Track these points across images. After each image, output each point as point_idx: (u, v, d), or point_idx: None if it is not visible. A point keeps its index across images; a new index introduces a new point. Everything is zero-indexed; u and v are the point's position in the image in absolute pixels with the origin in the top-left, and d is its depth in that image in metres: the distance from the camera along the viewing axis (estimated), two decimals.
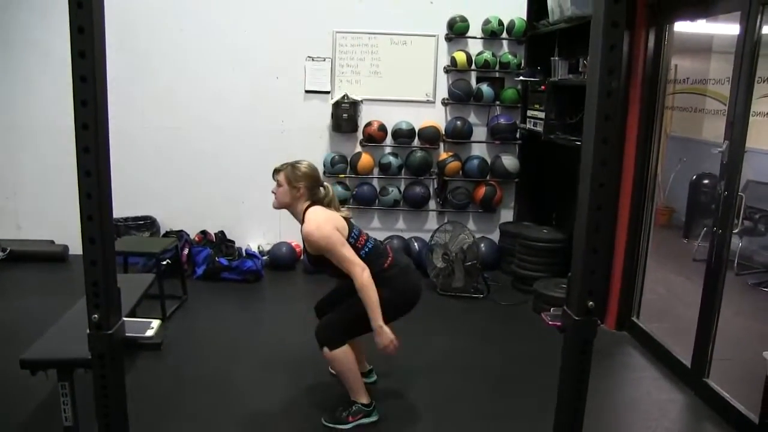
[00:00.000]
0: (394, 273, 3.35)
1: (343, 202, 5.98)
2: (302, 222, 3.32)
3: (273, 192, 3.41)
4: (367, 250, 3.33)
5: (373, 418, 3.45)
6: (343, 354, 3.31)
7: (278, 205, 3.43)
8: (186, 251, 5.84)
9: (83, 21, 1.67)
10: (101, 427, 1.99)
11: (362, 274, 3.17)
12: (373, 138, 6.22)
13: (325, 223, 3.24)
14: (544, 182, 6.38)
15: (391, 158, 6.25)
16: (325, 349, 3.30)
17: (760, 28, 3.42)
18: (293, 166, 3.38)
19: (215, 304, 5.25)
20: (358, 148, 6.35)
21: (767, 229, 5.68)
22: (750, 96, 3.48)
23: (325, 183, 3.49)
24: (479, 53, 6.20)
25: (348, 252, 3.21)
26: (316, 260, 3.36)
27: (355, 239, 3.31)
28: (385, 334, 3.21)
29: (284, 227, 6.14)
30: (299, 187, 3.33)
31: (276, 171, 3.41)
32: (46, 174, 6.11)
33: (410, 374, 4.02)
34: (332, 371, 3.68)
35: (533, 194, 6.57)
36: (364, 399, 3.44)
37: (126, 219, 6.17)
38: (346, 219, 3.39)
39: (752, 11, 3.44)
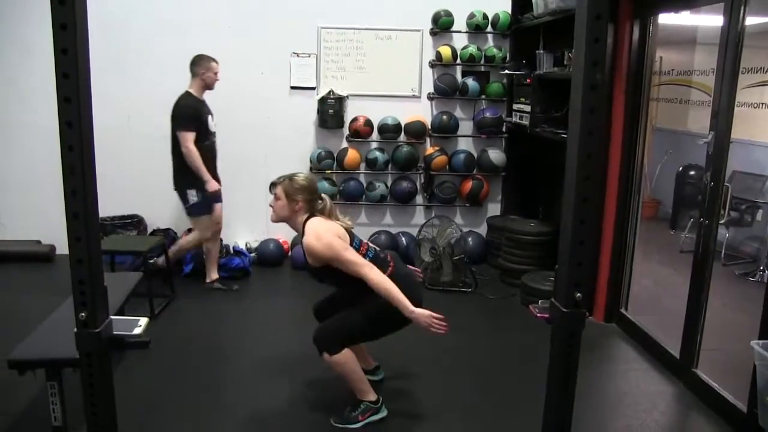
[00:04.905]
0: (395, 283, 3.27)
1: (330, 197, 5.95)
2: (302, 235, 3.29)
3: (270, 205, 3.39)
4: (367, 259, 3.28)
5: (382, 414, 3.42)
6: (344, 358, 3.25)
7: (277, 219, 3.42)
8: None
9: (66, 17, 1.66)
10: (90, 426, 1.98)
11: (371, 273, 3.15)
12: (360, 133, 6.21)
13: (326, 232, 3.22)
14: (531, 176, 6.38)
15: (378, 153, 6.25)
16: (325, 355, 3.24)
17: (744, 19, 3.43)
18: (291, 179, 3.35)
19: (203, 302, 5.23)
20: (345, 144, 6.34)
21: (753, 220, 5.72)
22: (735, 87, 3.50)
23: (323, 195, 3.47)
24: (464, 47, 6.20)
25: (352, 255, 3.19)
26: (319, 273, 3.33)
27: (356, 249, 3.28)
28: (421, 316, 3.12)
29: (271, 224, 6.08)
30: (298, 200, 3.32)
31: (273, 184, 3.38)
32: (32, 173, 6.04)
33: (400, 368, 4.01)
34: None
35: (520, 188, 6.58)
36: (370, 396, 3.40)
37: (113, 218, 6.12)
38: (347, 229, 3.38)
39: (735, 2, 3.45)
